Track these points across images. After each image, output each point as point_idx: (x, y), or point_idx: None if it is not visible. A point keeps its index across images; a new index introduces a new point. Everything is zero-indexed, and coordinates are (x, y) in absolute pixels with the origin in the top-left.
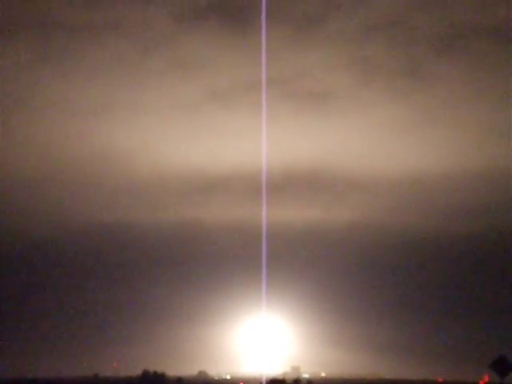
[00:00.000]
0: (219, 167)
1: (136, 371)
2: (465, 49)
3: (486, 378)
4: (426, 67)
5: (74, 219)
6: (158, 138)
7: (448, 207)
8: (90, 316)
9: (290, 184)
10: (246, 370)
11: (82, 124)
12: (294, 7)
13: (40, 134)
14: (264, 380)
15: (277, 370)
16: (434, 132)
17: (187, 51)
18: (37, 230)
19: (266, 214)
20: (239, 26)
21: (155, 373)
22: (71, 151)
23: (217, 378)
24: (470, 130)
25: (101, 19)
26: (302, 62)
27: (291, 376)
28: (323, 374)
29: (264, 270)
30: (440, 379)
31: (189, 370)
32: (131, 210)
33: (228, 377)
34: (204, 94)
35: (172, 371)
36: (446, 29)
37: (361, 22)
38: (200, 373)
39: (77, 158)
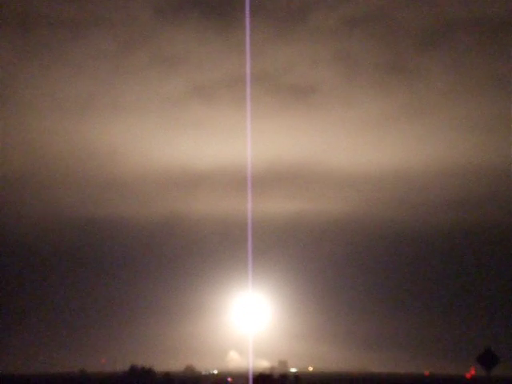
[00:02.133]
0: (204, 162)
1: (124, 366)
2: (449, 43)
3: (473, 371)
4: (409, 61)
5: (59, 213)
6: (142, 133)
7: (432, 200)
8: (77, 312)
9: (274, 178)
10: (234, 364)
11: (66, 120)
12: (277, 1)
13: (23, 129)
14: (251, 375)
15: (264, 365)
16: (419, 126)
17: (170, 46)
18: (23, 224)
19: (251, 208)
20: (223, 21)
21: (143, 368)
22: (55, 147)
23: (204, 373)
24: (454, 124)
25: (83, 15)
26: (285, 57)
27: (278, 371)
28: (311, 369)
29: (250, 264)
30: (427, 373)
31: (176, 365)
32: (117, 205)
33: (215, 372)
34: (188, 89)
35: (159, 366)
36: (429, 23)
37: (343, 17)
38: (187, 368)
39: (61, 154)
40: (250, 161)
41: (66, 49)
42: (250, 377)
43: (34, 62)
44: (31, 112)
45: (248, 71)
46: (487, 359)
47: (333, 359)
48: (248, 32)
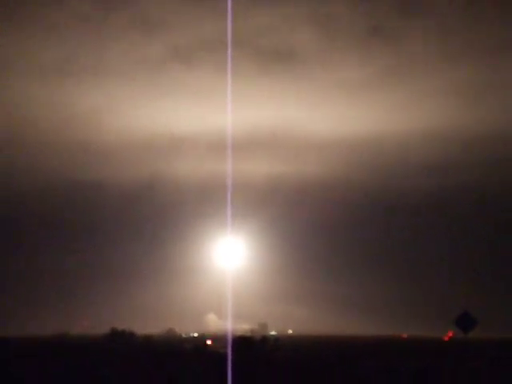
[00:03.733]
0: (185, 125)
1: (104, 329)
2: (430, 6)
3: (450, 333)
4: (390, 25)
5: (40, 177)
6: (121, 97)
7: (412, 165)
8: (58, 275)
9: (254, 141)
10: (213, 327)
11: (45, 82)
12: None
13: (2, 94)
14: (230, 338)
15: (244, 328)
16: (399, 90)
17: (150, 9)
18: (1, 187)
19: (231, 170)
20: None
21: (123, 331)
22: (34, 110)
23: (185, 336)
24: (435, 88)
25: None
26: (265, 20)
27: (258, 333)
28: (290, 332)
29: (229, 226)
30: (404, 335)
31: (156, 328)
32: (97, 168)
33: (195, 335)
34: (168, 52)
35: (140, 329)
36: None
37: None
38: (168, 331)
39: (40, 117)
40: (230, 124)
41: (44, 11)
42: (229, 340)
43: (11, 23)
44: (9, 74)
45: (229, 34)
46: (465, 322)
47: (312, 322)
48: None
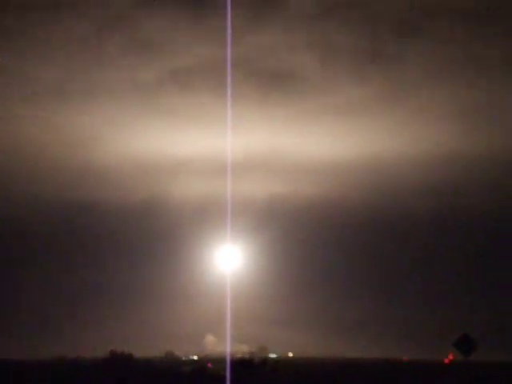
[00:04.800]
0: (183, 148)
1: (102, 352)
2: (426, 30)
3: (451, 356)
4: (387, 48)
5: (35, 199)
6: (118, 119)
7: (407, 187)
8: (55, 298)
9: (252, 163)
10: (211, 349)
11: (39, 105)
12: None
13: None
14: (229, 361)
15: (243, 350)
16: (396, 113)
17: (147, 31)
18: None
19: (230, 192)
20: (200, 6)
21: (122, 353)
22: (29, 133)
23: (184, 359)
24: (431, 112)
25: None
26: (263, 42)
27: (258, 356)
28: (291, 354)
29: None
30: (405, 358)
31: (155, 351)
32: (94, 191)
33: (195, 357)
34: (165, 74)
35: (139, 352)
36: (408, 9)
37: (322, 2)
38: (167, 354)
39: (35, 140)
40: (230, 146)
41: (38, 32)
42: (228, 362)
43: (4, 45)
44: (2, 98)
45: (228, 57)
46: (464, 345)
47: (313, 345)
48: (229, 17)
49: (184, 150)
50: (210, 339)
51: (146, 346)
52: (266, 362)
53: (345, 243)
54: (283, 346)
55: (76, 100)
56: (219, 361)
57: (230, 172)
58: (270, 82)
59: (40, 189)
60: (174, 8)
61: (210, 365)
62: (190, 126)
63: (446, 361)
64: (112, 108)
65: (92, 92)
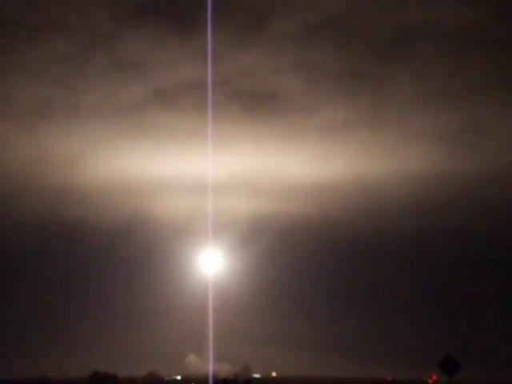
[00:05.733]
0: (164, 167)
1: (85, 373)
2: (412, 51)
3: (434, 377)
4: (371, 69)
5: (16, 219)
6: (101, 139)
7: (392, 208)
8: (37, 317)
9: (234, 183)
10: (193, 368)
11: (22, 125)
12: (238, 7)
13: None
14: (211, 381)
15: (227, 369)
16: (381, 134)
17: (130, 51)
18: None
19: (211, 212)
20: (183, 26)
21: (105, 374)
22: (11, 153)
23: (167, 379)
24: (416, 133)
25: (39, 18)
26: (246, 62)
27: (242, 375)
28: (274, 374)
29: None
30: (389, 378)
31: (138, 371)
32: (75, 211)
33: (178, 377)
34: (147, 94)
35: (122, 372)
36: (392, 30)
37: (304, 23)
38: (150, 374)
39: (17, 160)
40: (211, 166)
41: (21, 52)
42: (211, 382)
43: None
44: None
45: (209, 76)
46: (449, 365)
47: (296, 364)
48: (210, 37)
49: (167, 170)
50: (192, 359)
51: (130, 366)
52: (249, 381)
53: (329, 263)
54: (266, 366)
55: (59, 119)
56: (203, 380)
57: (212, 191)
58: (253, 102)
59: (19, 209)
60: (157, 29)
61: None
62: (171, 145)
63: (430, 381)
64: (95, 127)
65: (75, 111)
